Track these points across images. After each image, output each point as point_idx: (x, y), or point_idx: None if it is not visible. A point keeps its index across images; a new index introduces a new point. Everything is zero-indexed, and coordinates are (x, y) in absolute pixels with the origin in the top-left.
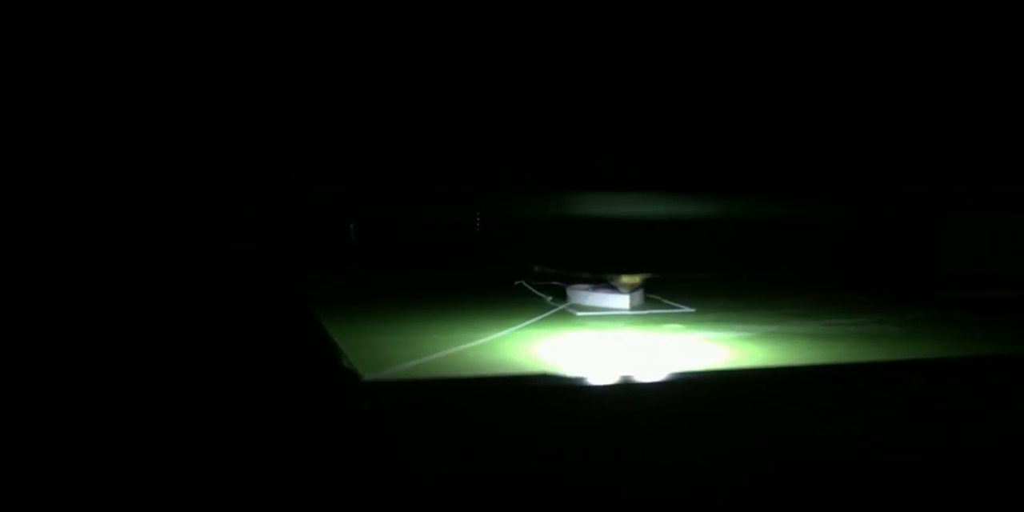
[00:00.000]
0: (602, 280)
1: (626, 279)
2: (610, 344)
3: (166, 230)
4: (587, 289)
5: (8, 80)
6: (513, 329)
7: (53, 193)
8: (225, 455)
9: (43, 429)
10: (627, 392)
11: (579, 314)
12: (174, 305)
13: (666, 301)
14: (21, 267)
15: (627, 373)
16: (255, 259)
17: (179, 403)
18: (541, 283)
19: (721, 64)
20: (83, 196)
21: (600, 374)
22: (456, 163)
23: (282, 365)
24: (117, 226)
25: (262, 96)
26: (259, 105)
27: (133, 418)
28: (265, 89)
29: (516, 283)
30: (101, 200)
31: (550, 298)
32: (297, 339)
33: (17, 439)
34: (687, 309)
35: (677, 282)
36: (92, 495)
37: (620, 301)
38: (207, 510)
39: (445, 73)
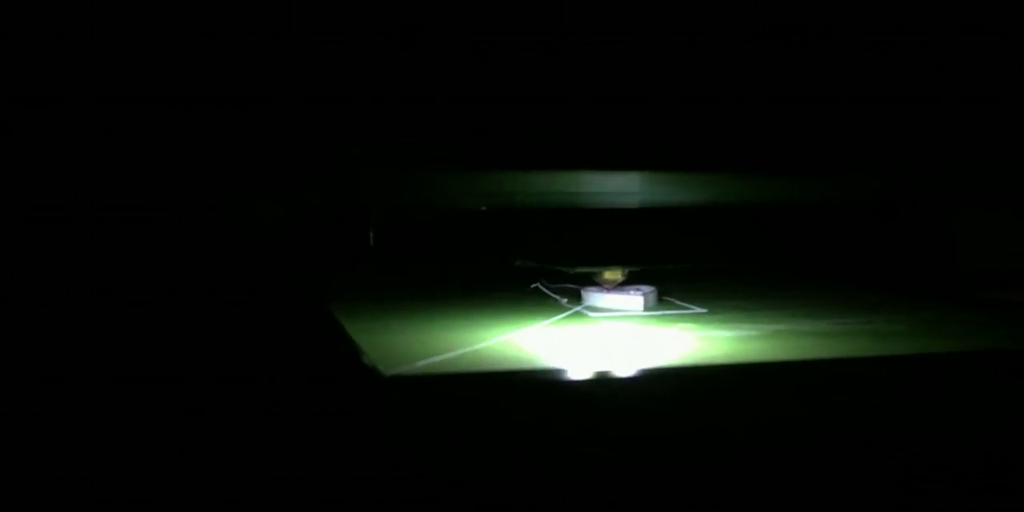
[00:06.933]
0: (585, 274)
1: (608, 275)
2: (624, 343)
3: (168, 230)
4: (602, 291)
5: (8, 80)
6: (529, 328)
7: (53, 193)
8: (242, 454)
9: (43, 429)
10: (639, 389)
11: (593, 315)
12: (178, 305)
13: (679, 302)
14: (21, 267)
15: (640, 371)
16: (263, 257)
17: (184, 403)
18: (557, 285)
19: (726, 63)
20: (83, 196)
21: (614, 372)
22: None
23: (296, 362)
24: (117, 226)
25: (266, 96)
26: (261, 105)
27: (135, 418)
28: (268, 89)
29: (532, 285)
30: (101, 200)
31: (565, 300)
32: (309, 336)
33: (17, 439)
34: (699, 309)
35: (663, 274)
36: (95, 495)
37: (634, 302)
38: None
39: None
